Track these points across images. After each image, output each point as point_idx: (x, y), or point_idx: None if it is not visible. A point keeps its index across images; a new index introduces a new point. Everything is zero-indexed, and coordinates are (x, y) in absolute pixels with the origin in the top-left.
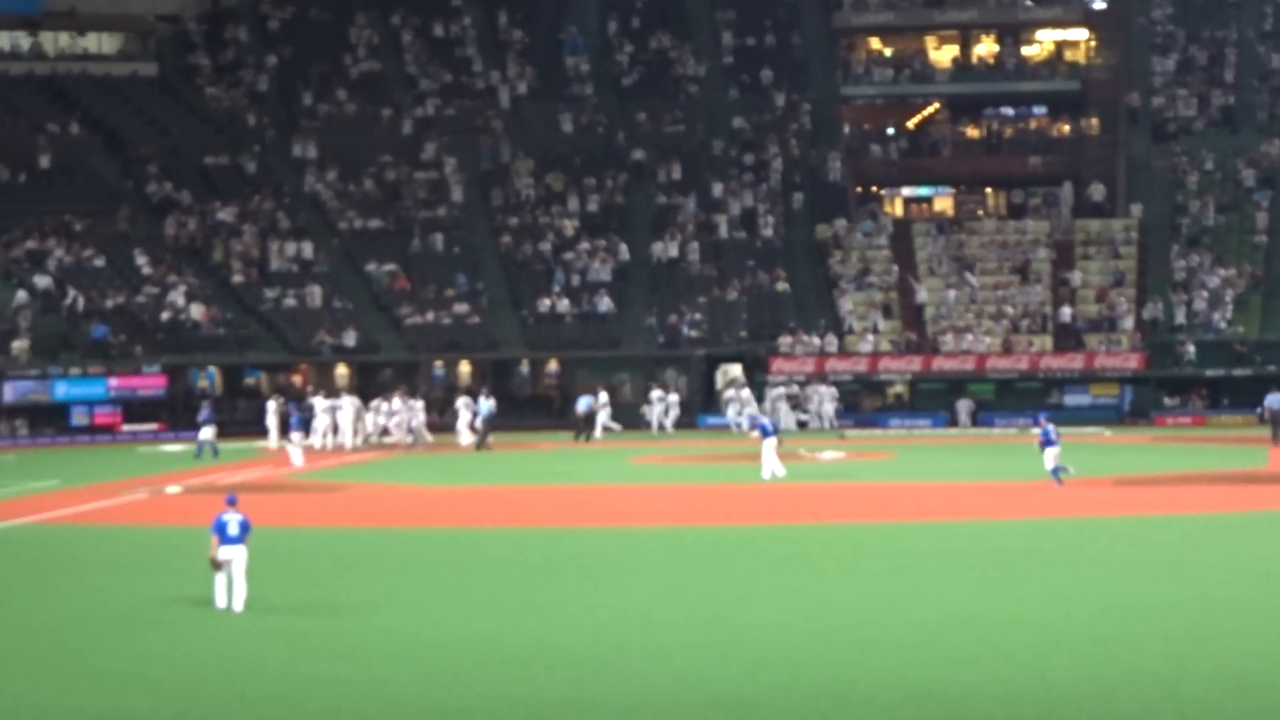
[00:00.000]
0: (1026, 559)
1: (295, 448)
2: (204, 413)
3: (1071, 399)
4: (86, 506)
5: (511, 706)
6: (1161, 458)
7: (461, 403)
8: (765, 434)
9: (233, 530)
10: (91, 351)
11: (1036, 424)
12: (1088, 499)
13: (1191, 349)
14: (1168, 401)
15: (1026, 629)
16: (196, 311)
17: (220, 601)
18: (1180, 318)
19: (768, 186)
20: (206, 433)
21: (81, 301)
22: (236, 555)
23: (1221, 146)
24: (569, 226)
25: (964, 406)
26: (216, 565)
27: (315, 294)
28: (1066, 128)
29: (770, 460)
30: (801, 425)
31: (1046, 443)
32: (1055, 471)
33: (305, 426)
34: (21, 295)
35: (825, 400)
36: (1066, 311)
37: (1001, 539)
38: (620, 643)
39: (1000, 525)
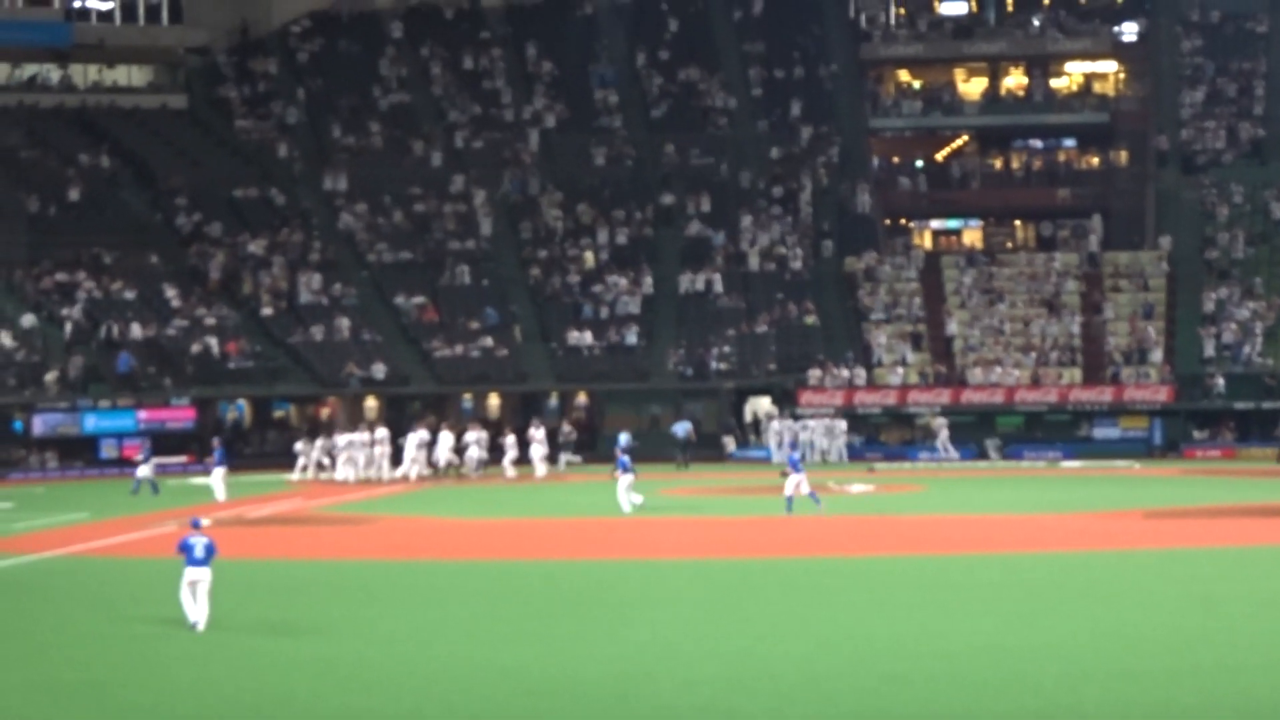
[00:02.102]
0: (1056, 591)
1: (218, 482)
2: (144, 450)
3: (1101, 432)
4: (115, 539)
5: None
6: (1191, 490)
7: (537, 435)
8: (623, 470)
9: (199, 553)
10: (121, 385)
11: (793, 446)
12: (1117, 531)
13: (1221, 381)
14: (1197, 434)
15: (1056, 661)
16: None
17: (192, 618)
18: (1209, 350)
19: (796, 219)
20: (145, 470)
21: (116, 331)
22: (202, 577)
23: (1251, 179)
24: (588, 258)
25: (940, 425)
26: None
27: (344, 326)
28: (1095, 160)
29: (622, 495)
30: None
31: (794, 468)
32: (790, 500)
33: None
34: (29, 319)
35: (832, 434)
36: (1112, 341)
37: (1030, 571)
38: (648, 674)
39: (1029, 558)
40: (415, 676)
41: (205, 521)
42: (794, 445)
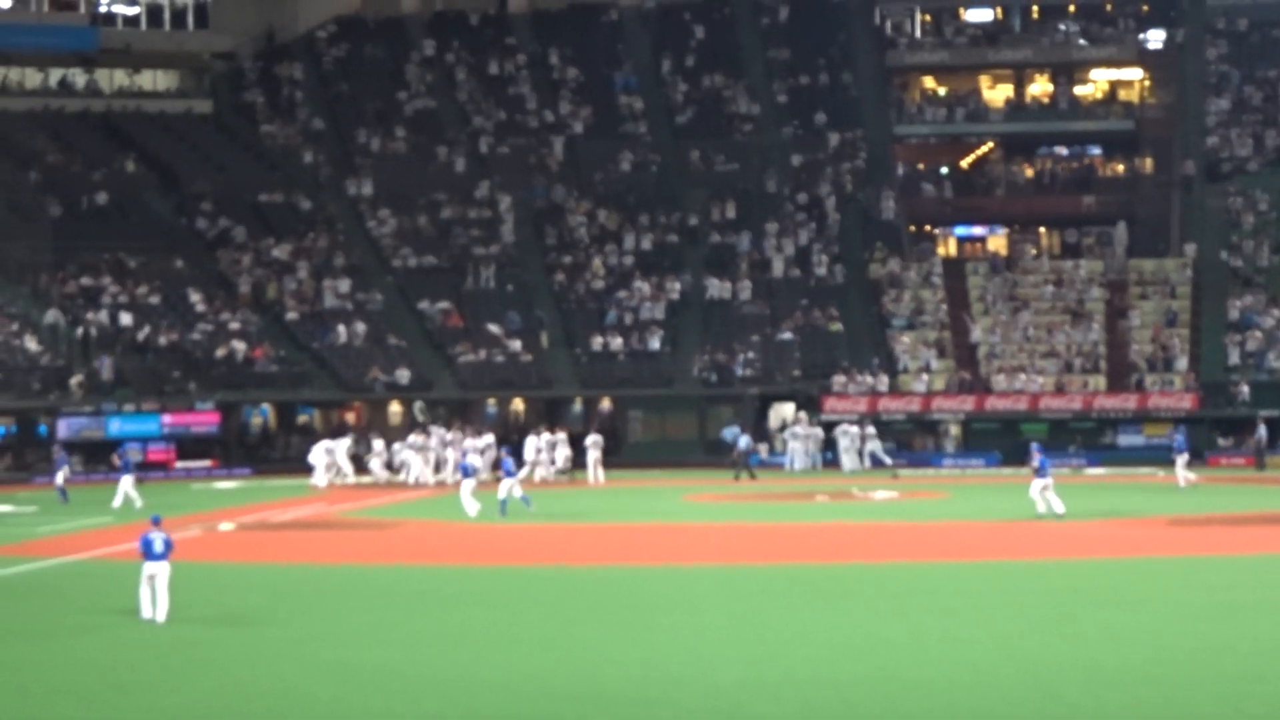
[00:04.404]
0: (1078, 599)
1: (129, 489)
2: (59, 457)
3: (1125, 439)
4: (139, 543)
5: None
6: (1214, 498)
7: (590, 440)
8: (465, 474)
9: (157, 548)
10: (104, 390)
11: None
12: (1141, 539)
13: (1245, 389)
14: (1221, 442)
15: (1078, 669)
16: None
17: (145, 613)
18: (1234, 358)
19: (821, 225)
20: (60, 477)
21: (145, 333)
22: (160, 570)
23: (1276, 186)
24: (598, 266)
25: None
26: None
27: (368, 331)
28: (1120, 167)
29: (466, 499)
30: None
31: (507, 473)
32: (504, 503)
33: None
34: (51, 315)
35: (812, 442)
36: (1136, 349)
37: (1054, 579)
38: (672, 679)
39: (1053, 565)
40: (438, 681)
41: (229, 522)
42: (508, 451)
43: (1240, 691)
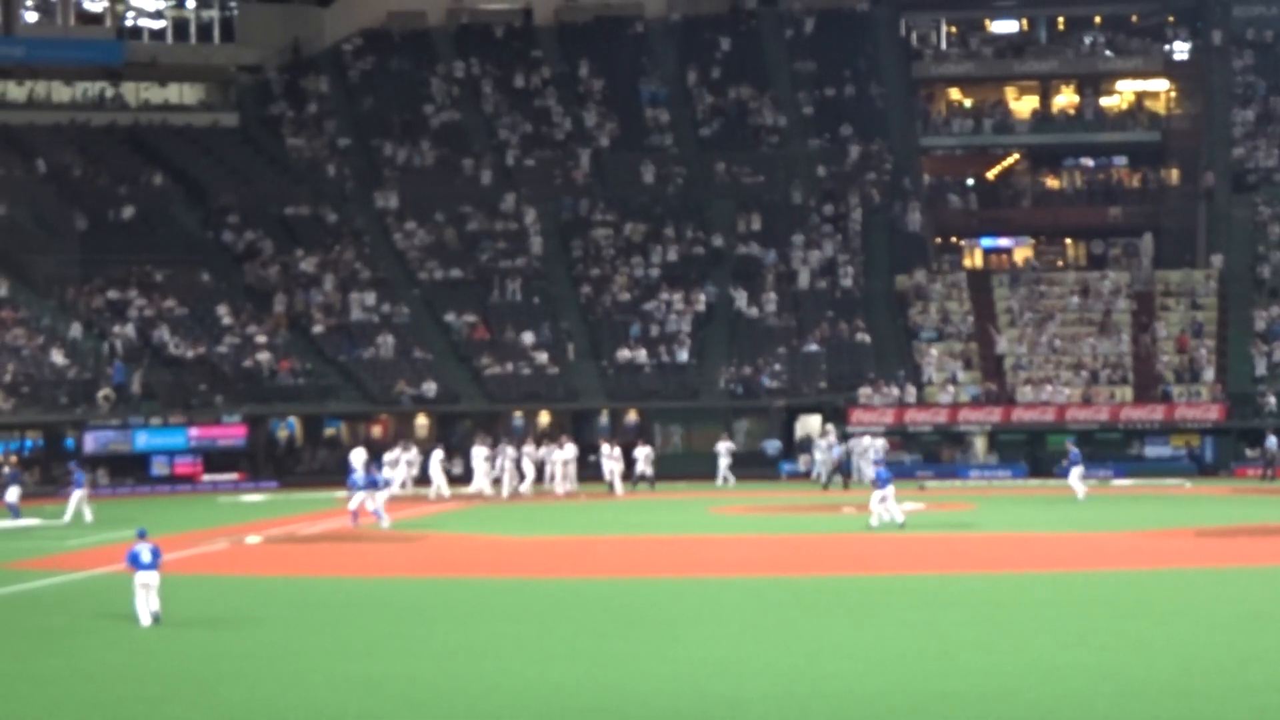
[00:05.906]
0: (1107, 610)
1: (82, 505)
2: (9, 473)
3: (1152, 450)
4: (165, 556)
5: None
6: (1242, 509)
7: (641, 454)
8: (375, 486)
9: (145, 558)
10: (121, 397)
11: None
12: (1169, 550)
13: (1273, 400)
14: (1249, 453)
15: (1107, 680)
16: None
17: (144, 620)
18: (1261, 369)
19: (847, 237)
20: (12, 494)
21: (172, 346)
22: (151, 580)
23: None
24: (625, 277)
25: (724, 449)
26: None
27: (395, 344)
28: (1147, 178)
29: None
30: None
31: (370, 484)
32: (356, 516)
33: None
34: (78, 328)
35: (823, 451)
36: (1163, 360)
37: (1081, 590)
38: (699, 692)
39: (1080, 576)
40: (465, 694)
41: (255, 535)
42: (372, 472)
43: (1269, 703)
